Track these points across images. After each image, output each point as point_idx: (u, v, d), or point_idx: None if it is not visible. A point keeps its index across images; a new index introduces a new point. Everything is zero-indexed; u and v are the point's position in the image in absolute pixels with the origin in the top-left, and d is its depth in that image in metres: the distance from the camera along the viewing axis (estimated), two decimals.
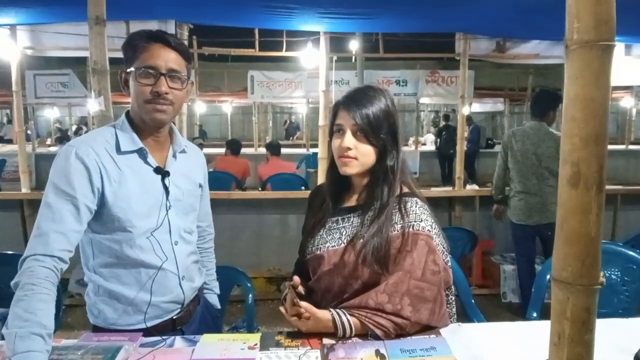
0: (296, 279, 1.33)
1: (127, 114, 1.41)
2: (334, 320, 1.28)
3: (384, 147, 1.34)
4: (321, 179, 4.29)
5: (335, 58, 6.69)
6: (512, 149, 3.57)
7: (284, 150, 6.74)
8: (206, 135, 15.44)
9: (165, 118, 1.36)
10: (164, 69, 1.32)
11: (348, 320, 1.28)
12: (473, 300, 2.19)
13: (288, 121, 16.50)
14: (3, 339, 1.08)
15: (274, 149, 6.18)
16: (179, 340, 1.32)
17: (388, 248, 1.30)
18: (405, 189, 1.40)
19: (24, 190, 4.45)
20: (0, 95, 13.01)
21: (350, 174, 1.38)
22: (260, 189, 5.64)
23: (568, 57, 0.70)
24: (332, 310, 1.31)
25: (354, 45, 6.51)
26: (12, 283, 1.16)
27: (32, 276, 1.15)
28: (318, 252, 1.39)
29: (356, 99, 1.35)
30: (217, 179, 5.30)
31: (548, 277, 2.15)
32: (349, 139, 1.33)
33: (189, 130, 9.03)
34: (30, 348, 1.04)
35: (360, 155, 1.34)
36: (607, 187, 0.91)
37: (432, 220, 1.36)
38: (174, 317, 1.46)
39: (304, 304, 1.28)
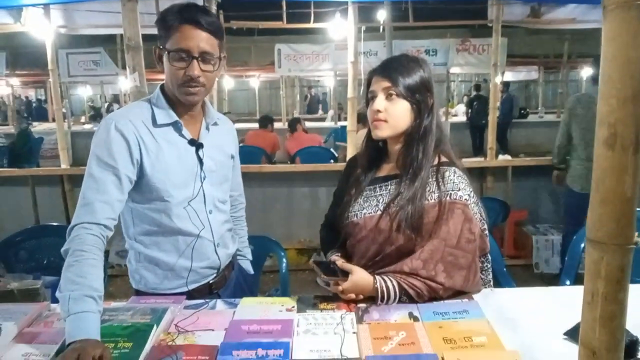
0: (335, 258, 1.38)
1: (162, 88, 1.44)
2: (378, 287, 1.30)
3: (418, 106, 1.36)
4: (350, 151, 4.30)
5: (363, 28, 6.59)
6: (576, 115, 3.40)
7: (312, 125, 6.85)
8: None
9: (197, 99, 1.40)
10: (196, 52, 1.32)
11: (393, 286, 1.30)
12: (505, 269, 2.20)
13: (308, 95, 15.69)
14: (57, 302, 1.15)
15: (290, 125, 6.63)
16: (220, 303, 1.39)
17: (422, 214, 1.31)
18: (444, 159, 1.40)
19: (63, 166, 4.60)
20: (35, 74, 13.39)
21: (381, 137, 1.40)
22: (289, 162, 5.70)
23: (605, 18, 0.70)
24: (376, 277, 1.32)
25: (382, 15, 6.40)
26: (62, 250, 1.22)
27: (81, 243, 1.21)
28: (355, 218, 1.42)
29: (389, 63, 1.39)
30: (248, 153, 5.38)
31: (582, 245, 2.14)
32: (378, 102, 1.36)
33: (219, 105, 9.09)
34: (84, 309, 1.10)
35: (391, 118, 1.36)
36: None
37: (470, 189, 1.37)
38: (211, 282, 1.53)
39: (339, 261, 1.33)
